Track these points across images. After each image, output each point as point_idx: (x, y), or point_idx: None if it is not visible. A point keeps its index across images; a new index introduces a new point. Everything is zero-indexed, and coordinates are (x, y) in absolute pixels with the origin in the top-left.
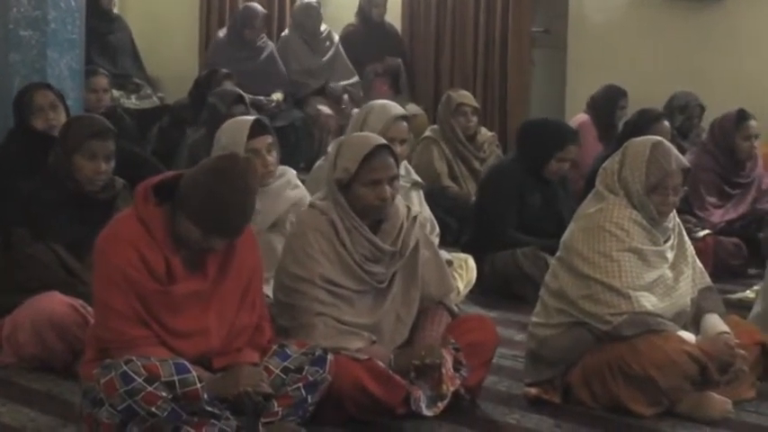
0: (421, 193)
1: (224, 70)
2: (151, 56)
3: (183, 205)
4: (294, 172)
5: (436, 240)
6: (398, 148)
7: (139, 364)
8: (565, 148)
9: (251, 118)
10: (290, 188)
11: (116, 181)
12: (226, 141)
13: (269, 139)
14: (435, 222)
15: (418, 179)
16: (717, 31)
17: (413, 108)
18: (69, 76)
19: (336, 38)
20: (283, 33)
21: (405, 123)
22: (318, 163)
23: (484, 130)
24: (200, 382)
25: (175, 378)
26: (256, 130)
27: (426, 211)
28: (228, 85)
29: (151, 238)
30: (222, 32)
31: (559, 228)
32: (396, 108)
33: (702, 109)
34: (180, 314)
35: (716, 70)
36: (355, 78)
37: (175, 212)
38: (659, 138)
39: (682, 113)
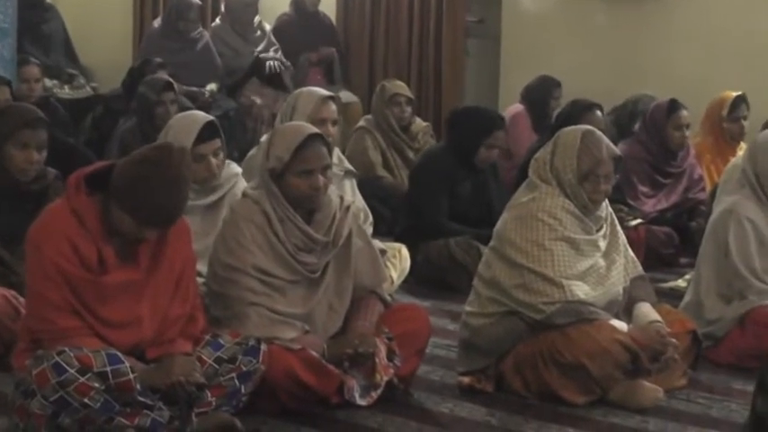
0: (354, 181)
1: (157, 59)
2: (84, 46)
3: (116, 195)
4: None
5: (370, 229)
6: (330, 129)
7: (72, 354)
8: (492, 135)
9: (202, 119)
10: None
11: (48, 171)
12: (172, 140)
13: (217, 143)
14: (369, 211)
15: (351, 168)
16: (650, 22)
17: (347, 97)
18: (1, 65)
19: (268, 27)
20: (214, 23)
21: (333, 104)
22: (251, 153)
23: (418, 120)
24: (133, 372)
25: (108, 369)
26: (205, 134)
27: (359, 200)
28: (162, 76)
29: (83, 229)
30: (156, 23)
31: (489, 216)
32: (323, 90)
33: None
34: (112, 304)
35: (648, 61)
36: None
37: (108, 203)
38: (590, 127)
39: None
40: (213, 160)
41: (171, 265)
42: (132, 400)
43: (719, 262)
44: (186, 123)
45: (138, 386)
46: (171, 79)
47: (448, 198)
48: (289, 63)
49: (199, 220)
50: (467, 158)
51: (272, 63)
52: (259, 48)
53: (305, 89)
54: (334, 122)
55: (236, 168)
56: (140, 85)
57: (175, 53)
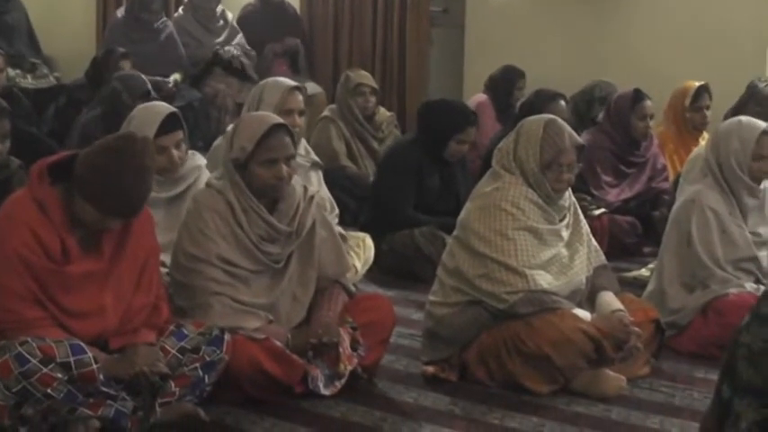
0: (320, 173)
1: (121, 50)
2: (47, 36)
3: (79, 185)
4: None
5: (335, 220)
6: (297, 119)
7: (35, 345)
8: (464, 130)
9: (164, 111)
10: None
11: (11, 161)
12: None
13: (180, 134)
14: (334, 202)
15: (317, 159)
16: (614, 13)
17: (312, 87)
18: None
19: (230, 17)
20: (176, 13)
21: (300, 95)
22: (216, 142)
23: (382, 110)
24: (96, 362)
25: (71, 359)
26: (167, 126)
27: (325, 192)
28: (126, 65)
29: (46, 219)
30: (120, 13)
31: (458, 208)
32: (289, 80)
33: None
34: (76, 294)
35: (612, 51)
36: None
37: (71, 192)
38: (553, 116)
39: (601, 105)
40: (175, 152)
41: (134, 255)
42: (95, 390)
43: (682, 251)
44: (148, 115)
45: (102, 376)
46: (150, 87)
47: (416, 190)
48: (253, 52)
49: (163, 213)
50: (436, 152)
51: (234, 57)
52: (221, 38)
53: (271, 79)
54: (301, 113)
55: (200, 160)
56: (116, 79)
57: (139, 43)
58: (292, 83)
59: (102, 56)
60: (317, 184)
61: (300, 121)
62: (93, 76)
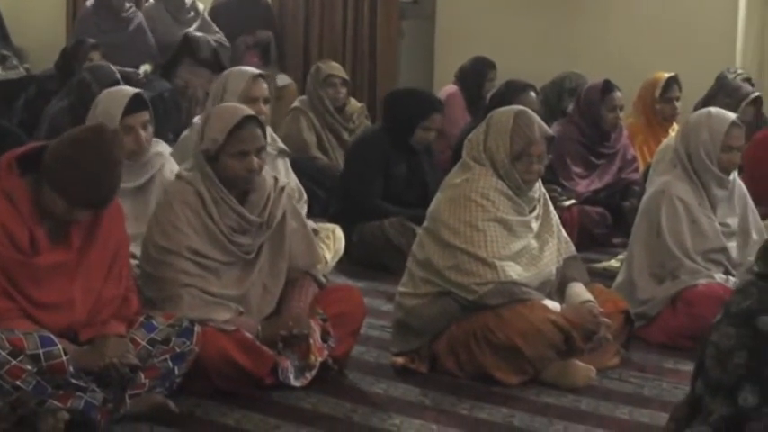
0: (287, 161)
1: (91, 41)
2: (17, 27)
3: (48, 177)
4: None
5: (304, 208)
6: (262, 107)
7: (3, 337)
8: (429, 117)
9: (130, 91)
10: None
11: None
12: (100, 114)
13: (146, 115)
14: (303, 190)
15: (284, 147)
16: (585, 4)
17: (283, 79)
18: None
19: (201, 7)
20: (147, 3)
21: (264, 83)
22: (185, 134)
23: (353, 101)
24: (66, 354)
25: (40, 351)
26: (134, 105)
27: (293, 179)
28: (96, 56)
29: (15, 210)
30: (89, 3)
31: (425, 198)
32: (253, 69)
33: None
34: (45, 286)
35: (583, 42)
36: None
37: (40, 184)
38: (523, 107)
39: (571, 96)
40: (142, 132)
41: (104, 246)
42: (65, 382)
43: (652, 242)
44: (114, 96)
45: (71, 368)
46: (119, 76)
47: (383, 179)
48: (228, 44)
49: (129, 204)
50: (403, 140)
51: (204, 42)
52: (192, 28)
53: (235, 69)
54: (266, 101)
55: (162, 146)
56: (85, 70)
57: (109, 34)
58: (256, 71)
59: (72, 47)
60: (284, 172)
61: (266, 108)
62: (62, 67)
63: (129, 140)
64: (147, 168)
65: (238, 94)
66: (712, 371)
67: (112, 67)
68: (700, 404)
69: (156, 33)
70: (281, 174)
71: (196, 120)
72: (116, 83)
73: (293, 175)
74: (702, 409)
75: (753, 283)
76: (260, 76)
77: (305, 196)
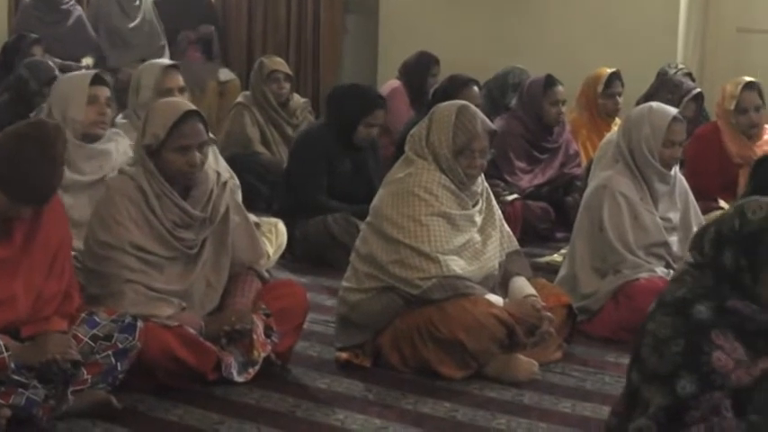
0: (215, 148)
1: (33, 35)
2: None
3: None
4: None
5: (238, 194)
6: (178, 98)
7: None
8: (372, 113)
9: (92, 71)
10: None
11: None
12: (66, 87)
13: (108, 92)
14: (235, 176)
15: (212, 136)
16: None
17: (226, 74)
18: None
19: (149, 1)
20: None
21: (178, 73)
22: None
23: (297, 96)
24: (7, 350)
25: None
26: (98, 80)
27: (223, 166)
28: (38, 51)
29: None
30: None
31: (370, 194)
32: (165, 60)
33: None
34: None
35: (526, 37)
36: (162, 42)
37: None
38: (465, 102)
39: (515, 91)
40: (106, 107)
41: (46, 242)
42: (6, 378)
43: (594, 236)
44: (77, 74)
45: (13, 364)
46: (57, 71)
47: (327, 175)
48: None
49: (86, 197)
50: (346, 136)
51: None
52: (137, 21)
53: (147, 62)
54: (181, 90)
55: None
56: (23, 66)
57: (50, 26)
58: (168, 62)
59: (13, 42)
60: (212, 159)
61: (183, 99)
62: (3, 62)
63: (91, 111)
64: (107, 159)
65: (152, 87)
66: (649, 360)
67: (51, 63)
68: (636, 395)
69: (103, 25)
70: (209, 161)
71: (119, 119)
72: (54, 79)
73: (222, 162)
74: (640, 400)
75: (686, 272)
76: (172, 66)
77: (236, 179)
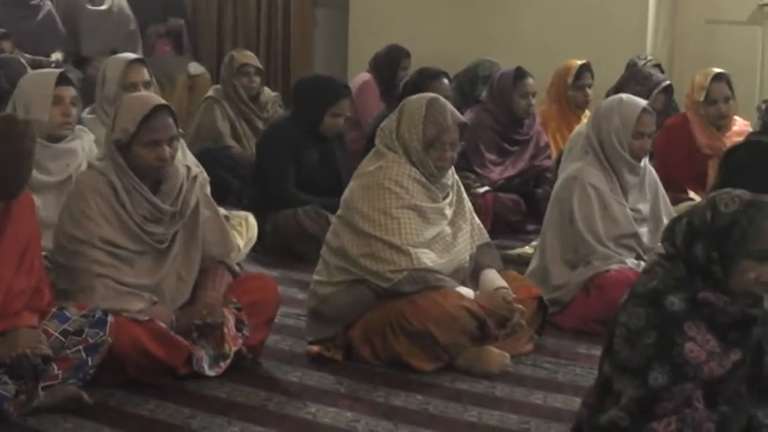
0: (182, 141)
1: (1, 30)
2: None
3: None
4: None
5: (207, 187)
6: (144, 91)
7: None
8: (337, 103)
9: (56, 71)
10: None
11: None
12: (30, 88)
13: (73, 91)
14: (202, 167)
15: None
16: None
17: (196, 68)
18: None
19: None
20: None
21: (143, 67)
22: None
23: (267, 90)
24: None
25: None
26: (63, 80)
27: (190, 158)
28: (7, 46)
29: None
30: None
31: (337, 185)
32: (130, 54)
33: None
34: None
35: (496, 29)
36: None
37: None
38: (435, 95)
39: (485, 83)
40: (71, 106)
41: (15, 238)
42: None
43: (564, 228)
44: (41, 73)
45: None
46: (29, 70)
47: (295, 167)
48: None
49: (54, 196)
50: (312, 127)
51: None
52: (104, 5)
53: (112, 57)
54: (147, 84)
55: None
56: None
57: (18, 21)
58: (133, 56)
59: None
60: (180, 153)
61: (149, 93)
62: None
63: (56, 112)
64: (74, 158)
65: (117, 82)
66: (621, 351)
67: (22, 60)
68: (608, 386)
69: (75, 19)
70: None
71: (85, 113)
72: None
73: (190, 156)
74: (611, 391)
75: (658, 263)
76: (137, 60)
77: (205, 174)
